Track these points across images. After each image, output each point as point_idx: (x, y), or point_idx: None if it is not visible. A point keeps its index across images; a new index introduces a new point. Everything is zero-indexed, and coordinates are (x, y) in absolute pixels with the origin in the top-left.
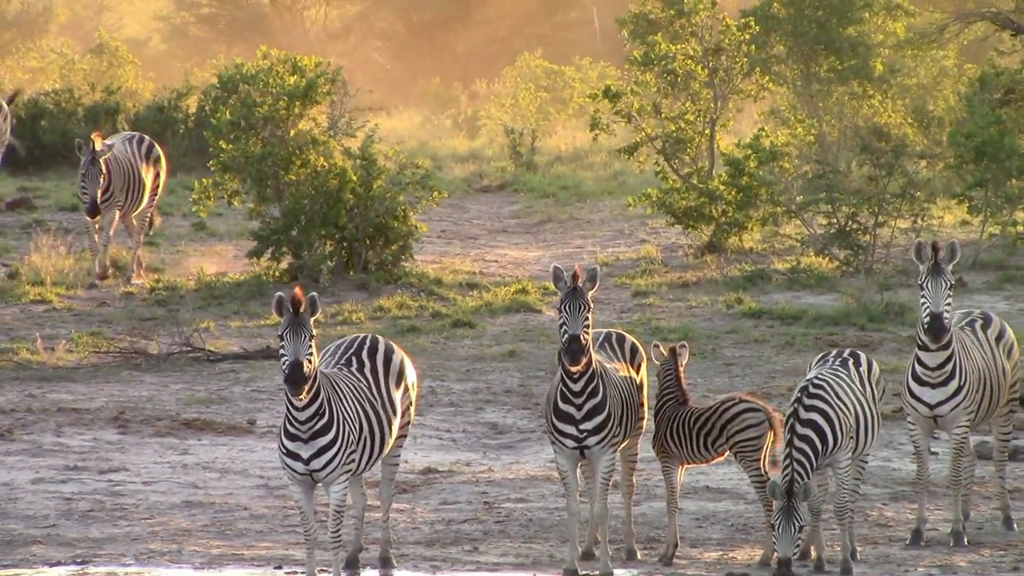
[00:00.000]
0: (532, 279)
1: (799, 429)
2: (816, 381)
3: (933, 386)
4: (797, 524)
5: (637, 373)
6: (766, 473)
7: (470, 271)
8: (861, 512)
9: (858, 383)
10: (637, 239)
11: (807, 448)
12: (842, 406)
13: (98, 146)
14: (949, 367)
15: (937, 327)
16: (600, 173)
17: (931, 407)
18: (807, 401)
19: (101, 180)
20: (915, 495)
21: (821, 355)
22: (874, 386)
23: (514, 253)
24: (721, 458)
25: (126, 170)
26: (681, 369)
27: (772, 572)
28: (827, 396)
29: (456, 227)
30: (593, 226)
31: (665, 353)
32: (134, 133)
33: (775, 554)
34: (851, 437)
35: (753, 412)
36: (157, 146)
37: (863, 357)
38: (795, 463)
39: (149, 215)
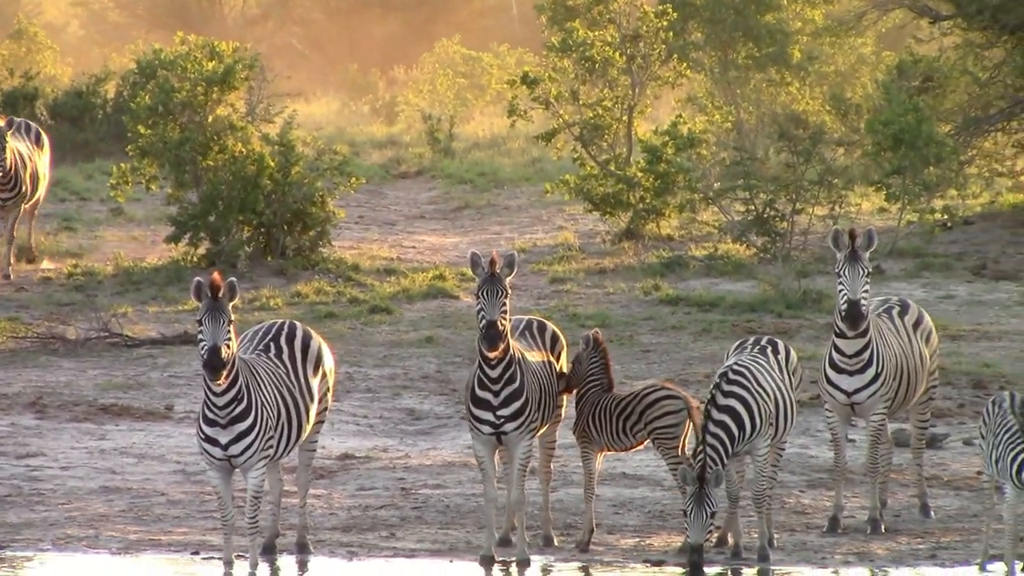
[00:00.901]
0: (450, 265)
1: (715, 415)
2: (735, 367)
3: (850, 373)
4: (709, 510)
5: (557, 361)
6: (686, 459)
7: (388, 257)
8: (778, 499)
9: (777, 370)
10: (555, 225)
11: (723, 434)
12: (761, 392)
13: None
14: (866, 354)
15: (855, 314)
16: (518, 159)
17: (848, 394)
18: (725, 387)
19: (3, 163)
20: (832, 482)
21: (739, 342)
22: (791, 374)
23: (432, 239)
24: (640, 446)
25: (27, 162)
26: (609, 356)
27: (685, 558)
28: (746, 383)
29: (374, 213)
30: (511, 212)
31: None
32: (20, 120)
33: (687, 540)
34: (770, 424)
35: (672, 399)
36: (42, 131)
37: (781, 344)
38: (709, 448)
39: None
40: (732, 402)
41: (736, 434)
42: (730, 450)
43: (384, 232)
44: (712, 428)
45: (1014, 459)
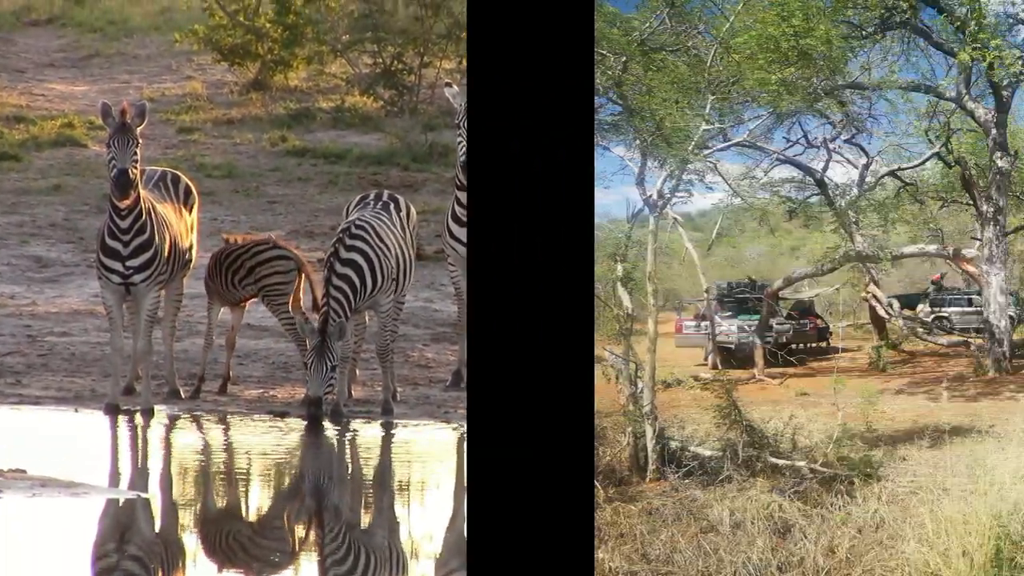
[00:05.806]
0: (79, 113)
1: (339, 269)
2: (358, 223)
3: None
4: (330, 363)
5: (189, 214)
6: (301, 314)
7: (17, 104)
8: (402, 352)
9: (399, 227)
10: (183, 75)
11: (346, 287)
12: (383, 248)
13: None
14: None
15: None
16: (148, 8)
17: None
18: (348, 242)
19: None
20: (456, 337)
21: (360, 197)
22: (411, 230)
23: (61, 87)
24: (253, 300)
25: None
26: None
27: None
28: (368, 238)
29: (4, 60)
30: (140, 62)
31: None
32: None
33: (307, 393)
34: (392, 279)
35: (283, 259)
36: None
37: (402, 201)
38: (332, 301)
39: None
40: (355, 256)
41: (359, 288)
42: (354, 304)
43: (13, 80)
44: (336, 282)
45: None
